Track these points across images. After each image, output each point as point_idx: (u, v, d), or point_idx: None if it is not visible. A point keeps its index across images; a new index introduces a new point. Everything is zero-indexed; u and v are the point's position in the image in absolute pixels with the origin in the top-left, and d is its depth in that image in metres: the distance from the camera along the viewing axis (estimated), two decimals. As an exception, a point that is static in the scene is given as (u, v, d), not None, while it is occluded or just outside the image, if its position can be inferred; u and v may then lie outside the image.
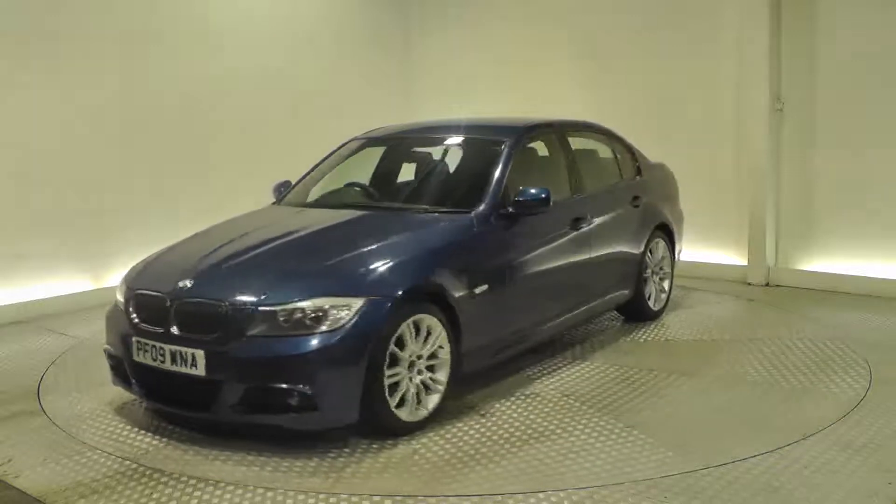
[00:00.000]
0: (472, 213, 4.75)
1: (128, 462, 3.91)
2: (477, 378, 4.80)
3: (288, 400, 3.83)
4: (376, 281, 4.07)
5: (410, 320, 4.08)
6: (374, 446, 4.00)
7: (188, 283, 4.18)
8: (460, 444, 4.04)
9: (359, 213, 5.08)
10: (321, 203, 5.53)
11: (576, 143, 5.90)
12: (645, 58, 8.20)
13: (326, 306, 3.88)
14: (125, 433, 4.28)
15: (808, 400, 4.54)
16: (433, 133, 5.96)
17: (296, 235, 4.73)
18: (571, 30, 8.74)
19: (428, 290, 4.24)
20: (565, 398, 4.64)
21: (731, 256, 7.77)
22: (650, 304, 6.26)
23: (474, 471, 3.74)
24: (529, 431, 4.17)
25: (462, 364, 4.43)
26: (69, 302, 6.99)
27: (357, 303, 3.91)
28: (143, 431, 4.29)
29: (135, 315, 4.31)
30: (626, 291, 5.99)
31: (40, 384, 5.13)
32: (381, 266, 4.17)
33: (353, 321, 3.87)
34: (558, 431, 4.16)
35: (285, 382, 3.82)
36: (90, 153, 7.30)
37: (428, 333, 4.21)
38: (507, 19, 9.27)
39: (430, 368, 4.27)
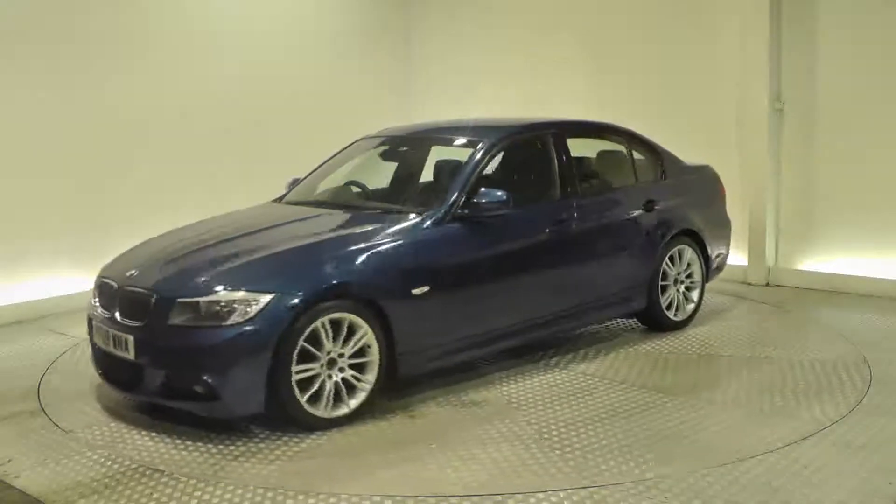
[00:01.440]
0: (425, 214, 4.77)
1: (128, 462, 3.91)
2: (429, 378, 4.82)
3: (194, 387, 4.06)
4: (289, 278, 4.20)
5: (326, 318, 4.16)
6: (284, 438, 4.13)
7: (134, 273, 4.52)
8: (369, 443, 4.08)
9: (323, 211, 5.21)
10: (308, 201, 5.59)
11: (580, 144, 5.82)
12: (645, 57, 8.20)
13: (235, 300, 4.06)
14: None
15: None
16: (425, 133, 5.99)
17: (247, 232, 4.90)
18: (572, 29, 8.74)
19: (349, 290, 4.29)
20: (509, 405, 4.55)
21: (732, 256, 7.76)
22: (669, 314, 5.90)
23: (361, 469, 3.78)
24: (444, 436, 4.12)
25: (399, 365, 4.46)
26: (69, 302, 6.98)
27: (265, 298, 4.05)
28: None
29: (96, 300, 4.68)
30: (636, 299, 5.72)
31: (40, 384, 5.13)
32: (299, 264, 4.34)
33: (258, 316, 4.02)
34: (471, 439, 4.08)
35: (191, 371, 4.07)
36: (90, 153, 7.30)
37: (353, 332, 4.27)
38: (508, 19, 9.27)
39: (358, 367, 4.32)
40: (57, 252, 7.08)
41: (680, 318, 6.00)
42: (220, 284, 4.16)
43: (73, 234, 7.13)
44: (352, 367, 4.30)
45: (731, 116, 7.69)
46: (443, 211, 4.78)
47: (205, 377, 4.01)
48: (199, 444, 4.11)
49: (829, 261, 7.30)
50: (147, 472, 3.78)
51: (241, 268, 4.31)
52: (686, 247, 5.99)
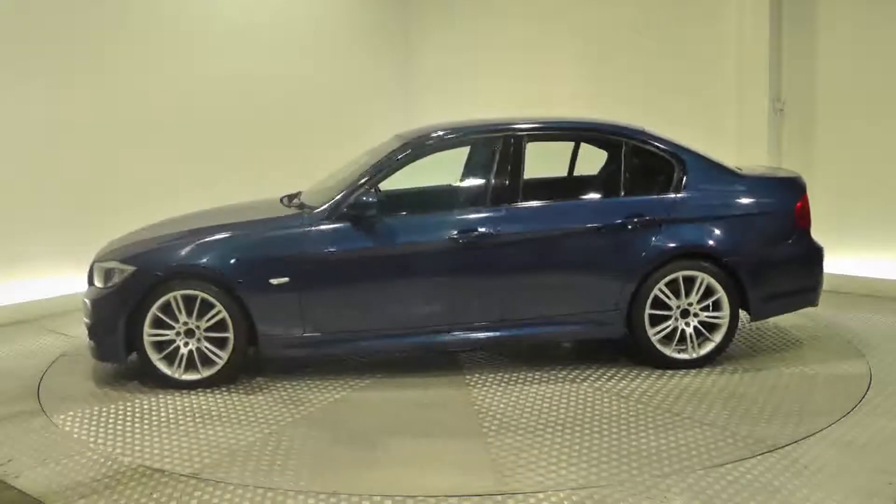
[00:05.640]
0: (307, 211, 5.07)
1: (128, 462, 3.91)
2: (353, 368, 5.23)
3: (88, 336, 5.05)
4: (150, 257, 4.97)
5: (178, 294, 4.83)
6: (146, 390, 4.94)
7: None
8: (187, 407, 4.63)
9: (263, 204, 5.61)
10: (285, 195, 5.78)
11: (554, 148, 5.66)
12: (645, 57, 8.21)
13: (114, 269, 4.96)
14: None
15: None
16: (414, 134, 5.79)
17: (193, 217, 5.54)
18: (572, 29, 8.75)
19: (198, 272, 4.86)
20: (336, 404, 4.66)
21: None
22: (665, 350, 5.06)
23: (155, 433, 4.28)
24: (235, 418, 4.46)
25: (261, 346, 4.94)
26: (69, 302, 6.98)
27: (129, 270, 4.90)
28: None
29: None
30: (608, 325, 5.09)
31: (40, 384, 5.14)
32: (166, 246, 5.01)
33: (121, 283, 4.89)
34: (248, 424, 4.37)
35: (87, 320, 5.05)
36: (90, 153, 7.31)
37: (211, 308, 4.86)
38: (507, 19, 9.28)
39: (220, 342, 4.89)
40: (57, 252, 7.09)
41: (686, 356, 5.08)
42: (115, 255, 5.07)
43: (73, 234, 7.13)
44: (215, 341, 4.89)
45: (732, 116, 7.69)
46: (324, 210, 4.99)
47: (88, 326, 5.02)
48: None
49: (830, 260, 7.29)
50: (147, 472, 3.78)
51: (137, 244, 5.14)
52: (699, 273, 5.04)
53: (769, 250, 5.23)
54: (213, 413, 4.56)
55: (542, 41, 8.98)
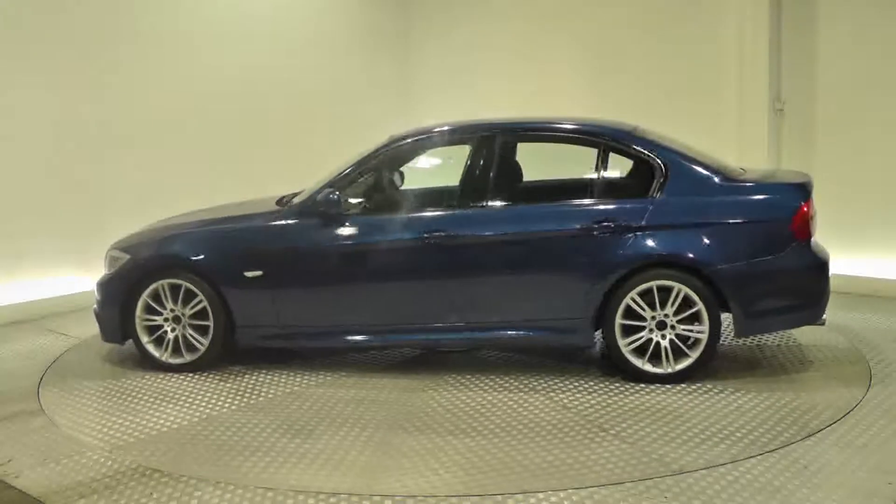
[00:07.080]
0: (282, 208, 5.32)
1: (128, 462, 3.91)
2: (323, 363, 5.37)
3: (95, 319, 5.47)
4: (141, 247, 5.35)
5: (165, 282, 5.18)
6: (146, 373, 5.28)
7: None
8: (155, 388, 5.00)
9: (260, 202, 5.78)
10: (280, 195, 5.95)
11: (529, 150, 5.58)
12: (645, 58, 8.21)
13: (115, 256, 5.39)
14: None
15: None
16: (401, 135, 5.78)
17: (203, 212, 5.83)
18: (571, 29, 8.75)
19: (179, 262, 5.19)
20: (285, 396, 4.82)
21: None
22: (637, 362, 4.78)
23: (124, 411, 4.62)
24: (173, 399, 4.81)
25: (239, 336, 5.20)
26: (69, 302, 6.99)
27: (125, 258, 5.32)
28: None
29: None
30: (576, 333, 4.92)
31: (40, 384, 5.14)
32: (157, 238, 5.40)
33: (119, 269, 5.31)
34: (191, 404, 4.72)
35: (94, 306, 5.48)
36: (91, 153, 7.31)
37: (193, 298, 5.16)
38: (507, 19, 9.28)
39: (202, 330, 5.17)
40: (57, 252, 7.09)
41: (661, 371, 4.78)
42: (120, 244, 5.48)
43: (74, 234, 7.14)
44: (198, 328, 5.18)
45: (732, 116, 7.70)
46: (296, 207, 5.20)
47: (95, 308, 5.44)
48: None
49: (830, 261, 7.29)
50: (147, 472, 3.79)
51: (136, 234, 5.57)
52: (674, 283, 4.72)
53: (758, 261, 4.75)
54: (172, 396, 4.85)
55: (542, 41, 8.98)
